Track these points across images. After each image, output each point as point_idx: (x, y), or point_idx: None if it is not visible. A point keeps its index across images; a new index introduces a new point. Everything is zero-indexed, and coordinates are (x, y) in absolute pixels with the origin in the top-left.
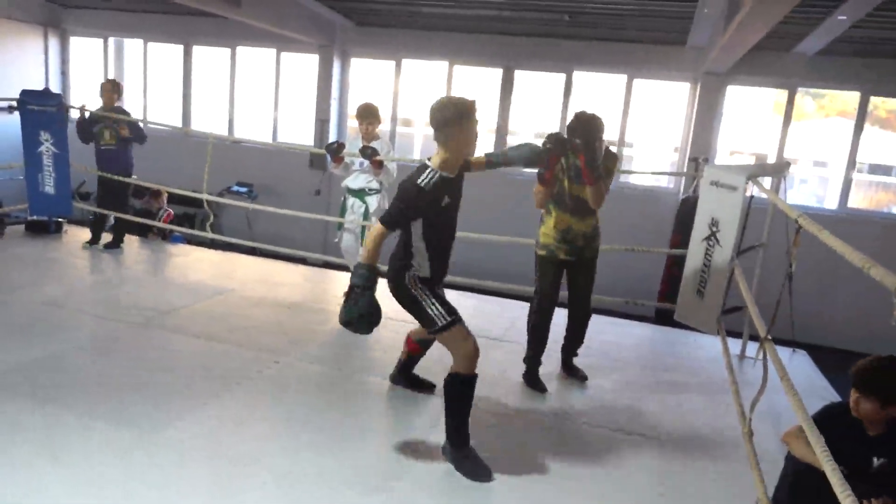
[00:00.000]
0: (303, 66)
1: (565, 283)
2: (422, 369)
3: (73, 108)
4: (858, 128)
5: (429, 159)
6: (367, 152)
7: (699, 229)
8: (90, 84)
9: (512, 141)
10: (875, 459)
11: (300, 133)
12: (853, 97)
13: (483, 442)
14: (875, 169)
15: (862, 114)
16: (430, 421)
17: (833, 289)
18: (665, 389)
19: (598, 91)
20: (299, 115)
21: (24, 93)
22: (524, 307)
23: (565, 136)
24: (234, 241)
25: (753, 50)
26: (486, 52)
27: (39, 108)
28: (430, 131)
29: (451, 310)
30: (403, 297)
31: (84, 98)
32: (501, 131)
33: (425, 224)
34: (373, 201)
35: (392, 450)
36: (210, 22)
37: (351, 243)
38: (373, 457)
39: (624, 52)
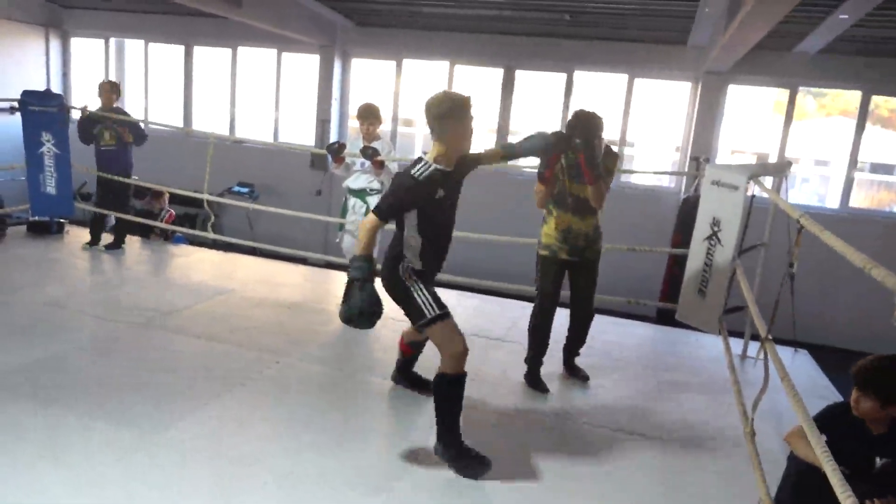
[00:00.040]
0: (304, 66)
1: (567, 284)
2: (422, 369)
3: (75, 108)
4: (860, 127)
5: (425, 153)
6: (369, 152)
7: (700, 229)
8: (91, 85)
9: (513, 140)
10: (878, 459)
11: (301, 133)
12: (854, 96)
13: (485, 442)
14: (877, 168)
15: (863, 113)
16: (431, 421)
17: (835, 288)
18: (667, 389)
19: (599, 91)
20: (300, 116)
21: (26, 93)
22: (525, 307)
23: (568, 138)
24: (235, 241)
25: (755, 49)
26: (486, 52)
27: (41, 109)
28: None
29: (441, 304)
30: (396, 288)
31: (85, 99)
32: (502, 131)
33: (420, 217)
34: (374, 202)
35: (393, 450)
36: (211, 22)
37: (352, 244)
38: (374, 457)
39: (625, 51)
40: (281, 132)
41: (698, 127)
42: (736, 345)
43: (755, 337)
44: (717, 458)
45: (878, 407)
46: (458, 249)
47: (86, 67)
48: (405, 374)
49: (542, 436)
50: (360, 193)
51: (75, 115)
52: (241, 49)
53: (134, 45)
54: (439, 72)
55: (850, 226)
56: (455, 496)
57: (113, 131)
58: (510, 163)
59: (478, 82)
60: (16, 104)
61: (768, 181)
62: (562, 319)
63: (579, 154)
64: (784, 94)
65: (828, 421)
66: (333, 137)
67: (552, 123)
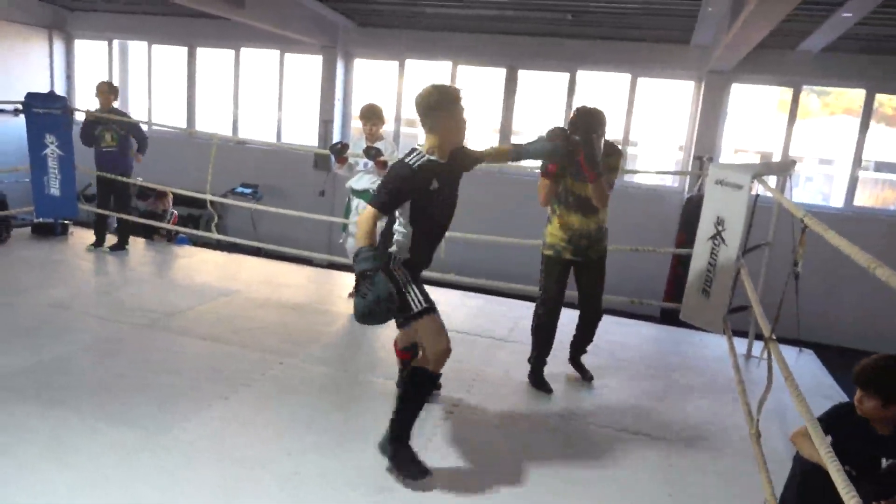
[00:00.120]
0: (306, 67)
1: (571, 284)
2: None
3: (78, 110)
4: (864, 125)
5: (419, 145)
6: (371, 153)
7: (704, 228)
8: (94, 87)
9: (516, 140)
10: (884, 460)
11: (304, 134)
12: (858, 94)
13: (488, 443)
14: (881, 166)
15: (867, 111)
16: (433, 421)
17: (839, 288)
18: (671, 389)
19: (602, 90)
20: (303, 116)
21: (30, 96)
22: (529, 307)
23: (567, 131)
24: (238, 241)
25: (758, 48)
26: (489, 52)
27: (45, 111)
28: None
29: (428, 299)
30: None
31: (89, 101)
32: (505, 131)
33: (413, 208)
34: None
35: None
36: (213, 24)
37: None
38: (376, 458)
39: (628, 51)
40: (284, 133)
41: (702, 126)
42: (740, 344)
43: (759, 336)
44: (722, 458)
45: (881, 406)
46: (461, 250)
47: (89, 69)
48: None
49: (545, 436)
50: (364, 194)
51: (79, 116)
52: (243, 50)
53: (137, 47)
54: (442, 72)
55: (855, 225)
56: (457, 498)
57: (114, 133)
58: (513, 163)
59: (480, 82)
60: (20, 106)
61: (772, 180)
62: (564, 319)
63: (579, 151)
64: (787, 92)
65: (833, 421)
66: (336, 138)
67: (555, 123)
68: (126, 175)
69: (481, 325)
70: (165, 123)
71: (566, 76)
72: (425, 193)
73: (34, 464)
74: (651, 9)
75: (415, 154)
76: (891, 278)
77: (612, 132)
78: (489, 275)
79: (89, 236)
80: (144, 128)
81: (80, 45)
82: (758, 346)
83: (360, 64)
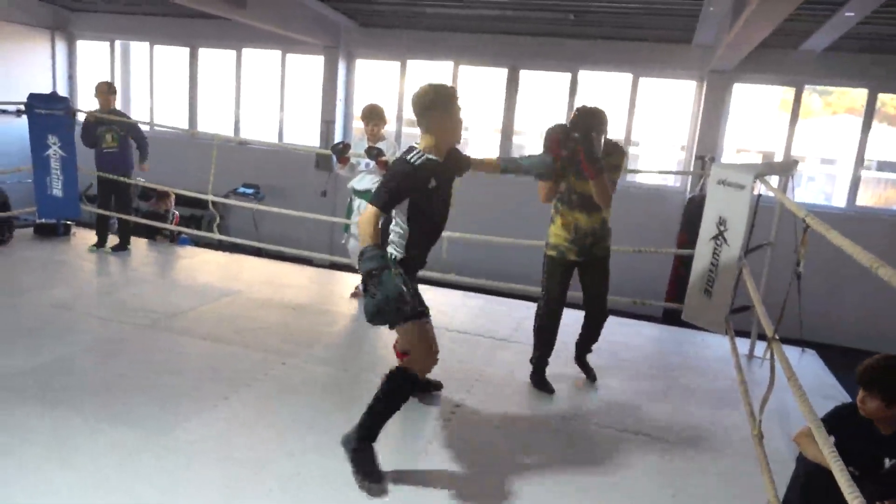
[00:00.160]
0: (308, 67)
1: (574, 284)
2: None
3: (81, 111)
4: (866, 125)
5: (416, 144)
6: (373, 153)
7: (707, 228)
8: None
9: (517, 140)
10: (887, 460)
11: (306, 134)
12: (861, 94)
13: (489, 443)
14: (883, 166)
15: (870, 111)
16: (435, 422)
17: (842, 288)
18: (673, 390)
19: (604, 90)
20: (305, 117)
21: (32, 96)
22: (531, 308)
23: (566, 128)
24: (240, 242)
25: (760, 47)
26: (490, 52)
27: (47, 112)
28: None
29: (422, 303)
30: None
31: (91, 101)
32: (507, 131)
33: (411, 206)
34: None
35: (396, 452)
36: (215, 24)
37: (356, 246)
38: (378, 459)
39: (629, 50)
40: (286, 133)
41: (703, 126)
42: (742, 345)
43: (762, 337)
44: (725, 458)
45: (884, 406)
46: (462, 250)
47: (91, 70)
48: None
49: (547, 437)
50: (365, 194)
51: (81, 117)
52: (245, 51)
53: (139, 48)
54: (443, 72)
55: (857, 224)
56: (458, 499)
57: (115, 134)
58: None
59: (482, 82)
60: (22, 107)
61: (774, 180)
62: (567, 320)
63: (578, 148)
64: (790, 92)
65: (836, 421)
66: (338, 138)
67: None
68: (127, 176)
69: (483, 326)
70: (167, 124)
71: (568, 76)
72: (424, 192)
73: (36, 464)
74: (652, 8)
75: (415, 153)
76: (893, 278)
77: (614, 132)
78: (490, 275)
79: (91, 237)
80: (146, 128)
81: (82, 45)
82: (760, 347)
83: (361, 64)
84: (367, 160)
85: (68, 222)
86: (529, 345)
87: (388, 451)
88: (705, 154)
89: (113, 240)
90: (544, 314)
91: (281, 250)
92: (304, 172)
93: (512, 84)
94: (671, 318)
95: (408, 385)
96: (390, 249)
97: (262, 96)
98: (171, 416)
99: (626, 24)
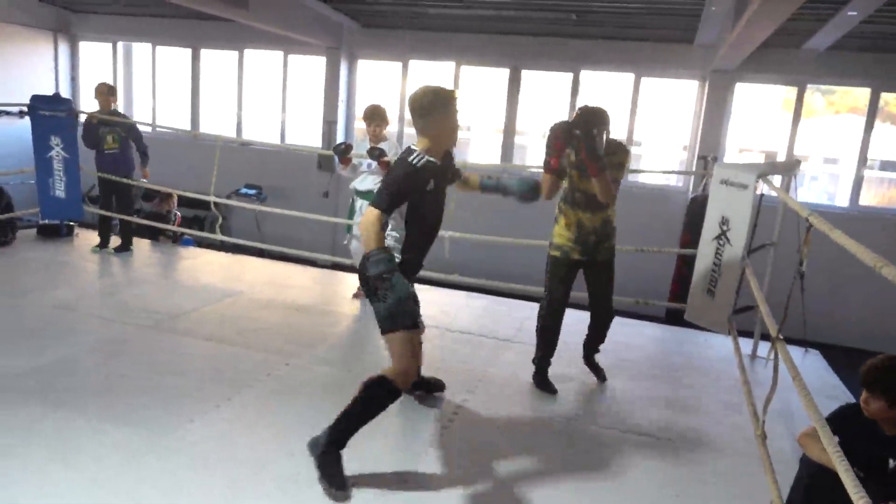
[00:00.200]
0: (310, 68)
1: (578, 285)
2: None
3: (83, 112)
4: (869, 124)
5: (414, 146)
6: (375, 153)
7: (709, 228)
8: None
9: (519, 141)
10: (891, 461)
11: (308, 135)
12: (864, 93)
13: (491, 444)
14: (886, 165)
15: (873, 110)
16: (438, 423)
17: (845, 287)
18: (676, 390)
19: (606, 90)
20: (307, 117)
21: (35, 98)
22: (533, 308)
23: (568, 125)
24: (243, 243)
25: (762, 47)
26: (492, 52)
27: (50, 114)
28: None
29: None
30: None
31: (94, 103)
32: (508, 131)
33: (409, 208)
34: None
35: (398, 452)
36: (217, 25)
37: (359, 247)
38: (379, 460)
39: (631, 50)
40: (288, 134)
41: (706, 126)
42: (746, 345)
43: (765, 337)
44: (727, 459)
45: (887, 407)
46: (465, 250)
47: (94, 71)
48: (415, 384)
49: (549, 438)
50: (367, 195)
51: (84, 119)
52: (247, 51)
53: (141, 49)
54: (445, 73)
55: (860, 224)
56: (460, 500)
57: (116, 135)
58: (514, 164)
59: (484, 83)
60: (25, 108)
61: (777, 180)
62: (569, 320)
63: (580, 145)
64: (792, 91)
65: (840, 422)
66: (340, 139)
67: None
68: (128, 177)
69: (486, 326)
70: (170, 125)
71: (569, 76)
72: (423, 194)
73: (38, 465)
74: (654, 8)
75: (415, 154)
76: None
77: (617, 132)
78: (493, 275)
79: (94, 238)
80: (149, 129)
81: (84, 47)
82: (763, 347)
83: (363, 65)
84: (369, 161)
85: (71, 223)
86: (532, 345)
87: (390, 451)
88: (708, 154)
89: (115, 241)
90: (547, 314)
91: (283, 251)
92: (307, 173)
93: (514, 84)
94: (674, 318)
95: (386, 396)
96: (392, 249)
97: (264, 97)
98: (174, 416)
99: (628, 24)
